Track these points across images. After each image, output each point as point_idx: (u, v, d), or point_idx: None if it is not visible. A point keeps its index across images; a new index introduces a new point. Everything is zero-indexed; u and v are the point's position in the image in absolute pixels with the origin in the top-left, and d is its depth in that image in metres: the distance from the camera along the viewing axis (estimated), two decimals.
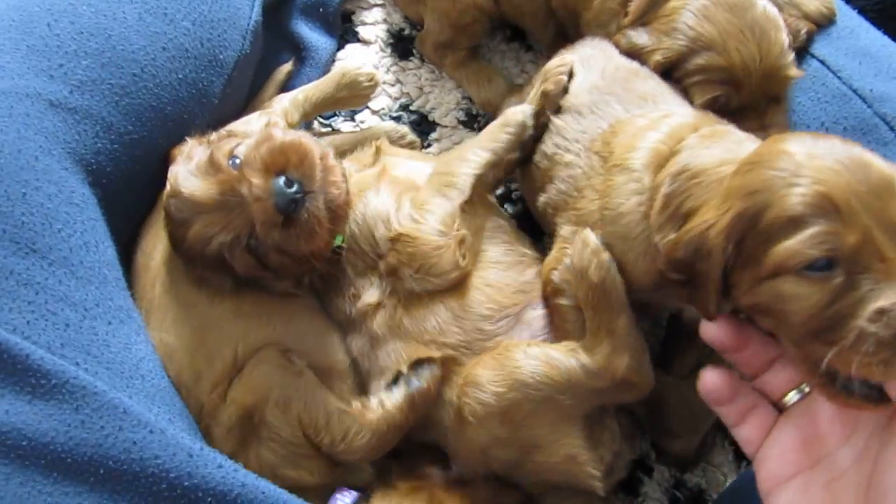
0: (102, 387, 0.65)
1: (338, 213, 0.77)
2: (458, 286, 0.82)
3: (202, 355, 0.80)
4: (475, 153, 0.87)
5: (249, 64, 0.95)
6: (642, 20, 0.90)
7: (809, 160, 0.59)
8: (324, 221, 0.75)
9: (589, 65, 0.90)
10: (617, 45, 0.91)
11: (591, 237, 0.77)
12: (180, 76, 0.85)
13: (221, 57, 0.90)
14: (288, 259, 0.77)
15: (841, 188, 0.57)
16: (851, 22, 0.95)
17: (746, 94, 0.85)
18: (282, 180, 0.73)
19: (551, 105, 0.87)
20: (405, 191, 0.85)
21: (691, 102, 0.85)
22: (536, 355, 0.78)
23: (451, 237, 0.81)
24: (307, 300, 0.87)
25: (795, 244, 0.57)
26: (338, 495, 0.79)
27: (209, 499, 0.62)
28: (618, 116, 0.83)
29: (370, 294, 0.84)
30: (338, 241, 0.83)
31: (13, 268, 0.68)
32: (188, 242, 0.76)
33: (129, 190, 0.83)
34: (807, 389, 0.62)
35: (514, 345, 0.80)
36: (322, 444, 0.80)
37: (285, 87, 1.05)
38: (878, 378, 0.56)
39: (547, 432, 0.79)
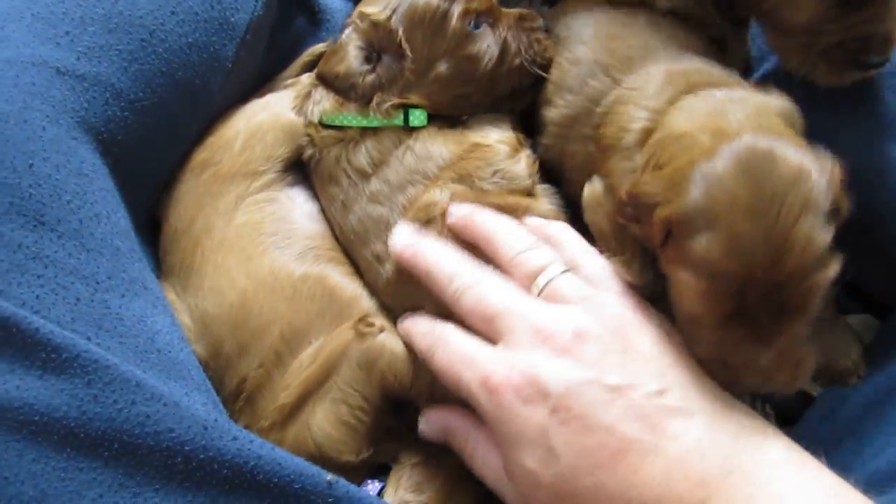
0: (114, 360, 0.62)
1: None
2: None
3: (249, 330, 0.80)
4: None
5: (263, 27, 0.92)
6: None
7: (734, 217, 0.60)
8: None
9: (577, 32, 0.86)
10: None
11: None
12: (190, 40, 0.82)
13: (233, 20, 0.87)
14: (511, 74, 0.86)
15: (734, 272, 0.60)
16: None
17: None
18: None
19: None
20: None
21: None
22: None
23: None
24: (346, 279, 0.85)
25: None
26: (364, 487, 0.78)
27: (225, 471, 0.60)
28: (603, 91, 0.79)
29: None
30: None
31: (21, 241, 0.65)
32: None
33: (141, 158, 0.80)
34: None
35: None
36: (409, 395, 0.80)
37: (313, 66, 1.00)
38: None
39: None
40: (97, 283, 0.68)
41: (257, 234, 0.83)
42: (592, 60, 0.82)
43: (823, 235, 0.59)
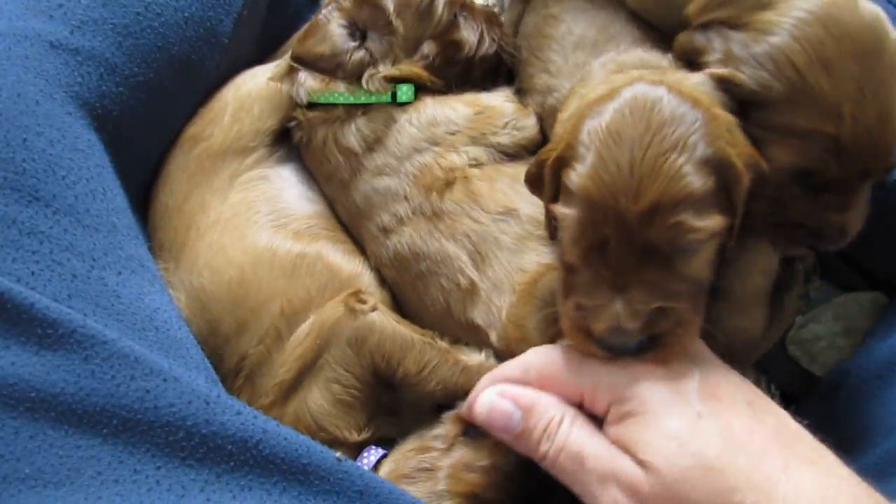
0: (112, 335, 0.61)
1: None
2: None
3: (248, 307, 0.80)
4: None
5: (260, 3, 0.91)
6: (717, 15, 0.69)
7: (608, 144, 0.59)
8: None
9: (576, 14, 0.85)
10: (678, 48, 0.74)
11: None
12: (186, 14, 0.81)
13: None
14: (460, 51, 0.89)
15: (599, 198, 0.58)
16: None
17: (843, 169, 0.65)
18: None
19: None
20: None
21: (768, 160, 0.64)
22: None
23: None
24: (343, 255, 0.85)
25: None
26: (364, 453, 0.77)
27: (229, 446, 0.58)
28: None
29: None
30: None
31: (15, 216, 0.64)
32: None
33: (137, 135, 0.79)
34: None
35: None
36: (396, 379, 0.78)
37: None
38: None
39: None
40: (93, 259, 0.66)
41: (252, 213, 0.83)
42: (592, 43, 0.82)
43: (695, 177, 0.57)
